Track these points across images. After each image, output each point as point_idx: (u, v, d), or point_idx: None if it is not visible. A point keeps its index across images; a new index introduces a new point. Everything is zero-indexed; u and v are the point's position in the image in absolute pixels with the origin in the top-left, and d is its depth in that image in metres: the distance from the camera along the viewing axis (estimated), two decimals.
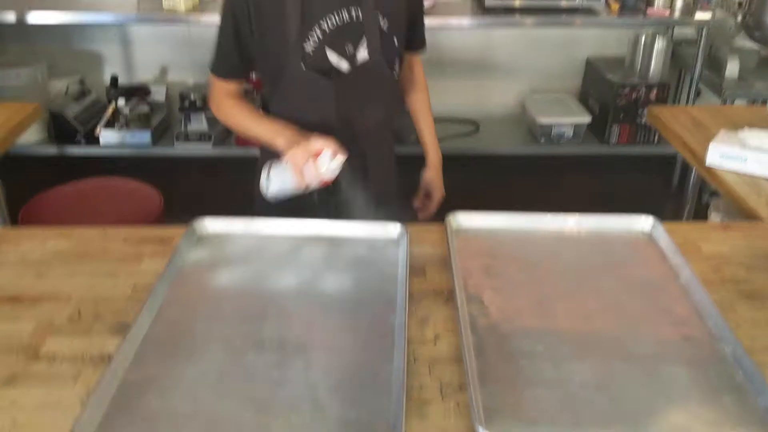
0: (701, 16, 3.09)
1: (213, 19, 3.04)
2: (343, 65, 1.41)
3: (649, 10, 3.11)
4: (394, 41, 1.44)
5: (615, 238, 1.37)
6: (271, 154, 1.54)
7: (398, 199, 1.68)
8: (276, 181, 1.31)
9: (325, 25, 1.38)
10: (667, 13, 3.09)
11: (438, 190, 1.72)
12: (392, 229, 1.35)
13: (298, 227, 1.36)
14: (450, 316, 1.14)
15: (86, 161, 3.40)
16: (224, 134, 3.40)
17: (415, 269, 1.26)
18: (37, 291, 1.20)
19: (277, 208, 1.45)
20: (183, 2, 3.05)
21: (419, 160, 1.72)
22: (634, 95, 3.32)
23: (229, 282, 1.22)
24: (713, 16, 3.08)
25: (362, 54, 1.42)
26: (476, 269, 1.27)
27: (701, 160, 1.70)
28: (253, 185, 1.47)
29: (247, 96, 3.32)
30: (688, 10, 3.13)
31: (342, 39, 1.39)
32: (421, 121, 1.69)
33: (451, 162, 3.49)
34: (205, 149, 3.33)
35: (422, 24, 1.58)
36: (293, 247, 1.32)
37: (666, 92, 3.34)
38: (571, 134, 3.43)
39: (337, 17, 1.38)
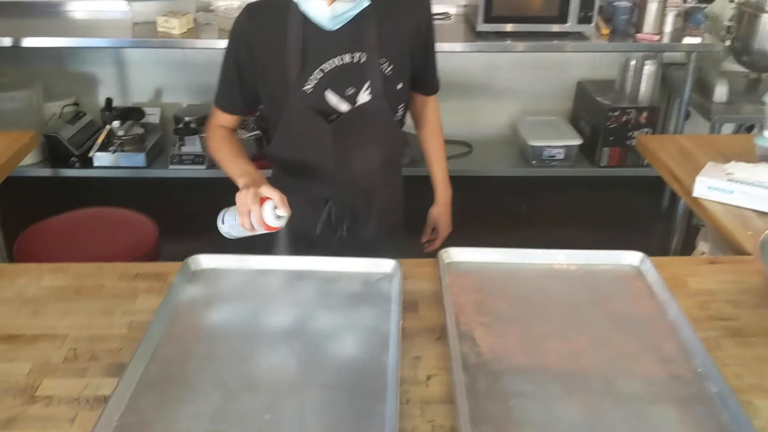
0: (690, 41, 3.13)
1: (208, 43, 3.08)
2: (343, 107, 1.44)
3: (639, 35, 3.15)
4: (397, 86, 1.47)
5: (604, 273, 1.39)
6: (282, 182, 1.57)
7: (403, 233, 1.71)
8: (228, 221, 1.34)
9: (327, 67, 1.41)
10: (657, 38, 3.13)
11: (445, 227, 1.75)
12: (386, 265, 1.36)
13: (292, 263, 1.38)
14: (442, 354, 1.15)
15: (80, 183, 3.41)
16: None
17: (408, 305, 1.27)
18: (34, 329, 1.21)
19: (278, 236, 1.47)
20: (178, 26, 3.08)
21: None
22: (624, 118, 3.35)
23: (223, 320, 1.24)
24: (702, 41, 3.12)
25: (364, 97, 1.44)
26: (468, 305, 1.28)
27: (689, 191, 1.72)
28: None
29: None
30: (677, 35, 3.18)
31: (343, 81, 1.42)
32: (433, 159, 1.72)
33: None
34: (199, 171, 3.34)
35: (434, 68, 1.60)
36: (287, 284, 1.34)
37: (656, 115, 3.38)
38: (563, 156, 3.47)
39: (338, 60, 1.41)
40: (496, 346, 1.18)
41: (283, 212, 1.27)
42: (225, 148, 1.50)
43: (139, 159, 3.36)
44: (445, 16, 3.42)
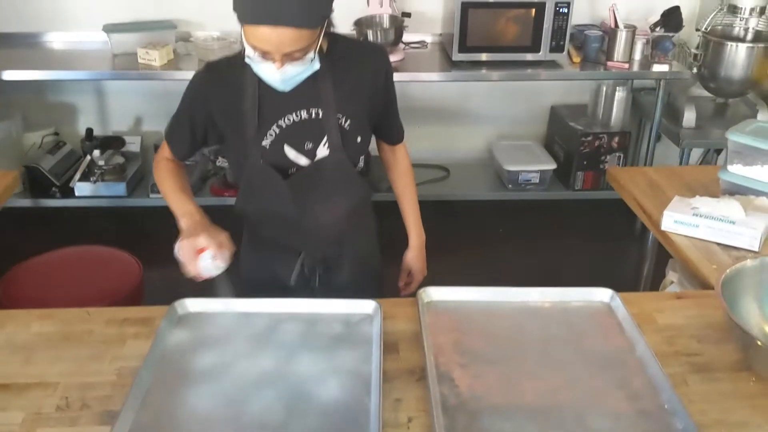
0: (659, 68, 3.23)
1: (188, 75, 3.09)
2: (303, 161, 1.48)
3: (609, 63, 3.24)
4: (356, 139, 1.50)
5: (576, 310, 1.45)
6: (253, 235, 1.60)
7: (381, 271, 1.75)
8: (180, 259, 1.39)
9: (284, 123, 1.44)
10: (626, 66, 3.22)
11: (420, 272, 1.78)
12: (366, 306, 1.41)
13: (276, 306, 1.42)
14: (422, 396, 1.20)
15: (62, 213, 3.43)
16: (198, 185, 3.45)
17: (389, 346, 1.32)
18: (25, 378, 1.24)
19: (254, 286, 1.51)
20: (158, 58, 3.11)
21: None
22: (597, 143, 3.44)
23: (210, 364, 1.27)
24: (670, 68, 3.22)
25: (323, 151, 1.48)
26: (447, 345, 1.33)
27: (657, 224, 1.80)
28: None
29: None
30: (646, 62, 3.28)
31: (301, 136, 1.46)
32: (405, 204, 1.75)
33: (423, 207, 3.57)
34: None
35: (396, 118, 1.65)
36: (271, 326, 1.37)
37: (627, 140, 3.47)
38: (538, 180, 3.55)
39: (295, 116, 1.45)
40: (475, 385, 1.23)
41: (219, 263, 1.34)
42: (170, 181, 1.55)
43: (119, 188, 3.39)
44: (422, 44, 3.49)
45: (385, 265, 1.81)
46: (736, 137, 1.80)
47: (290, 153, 1.47)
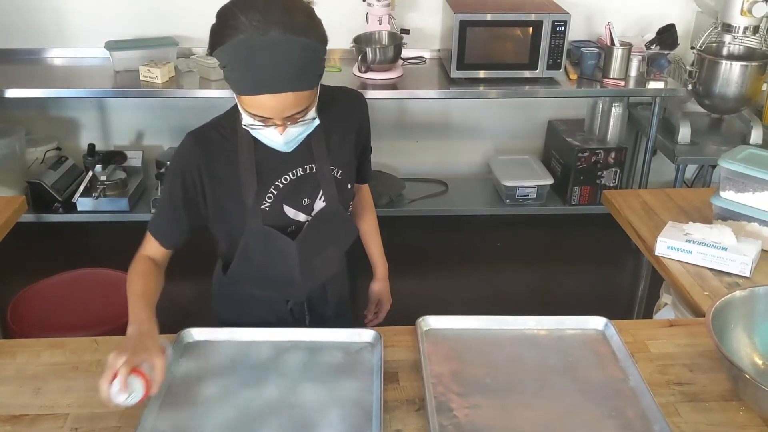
0: (654, 85, 3.27)
1: (189, 92, 3.16)
2: (301, 217, 1.48)
3: (606, 80, 3.29)
4: (348, 186, 1.52)
5: (571, 338, 1.49)
6: (233, 294, 1.60)
7: (353, 310, 1.78)
8: None
9: (281, 184, 1.44)
10: (622, 83, 3.27)
11: (387, 301, 1.82)
12: (367, 335, 1.45)
13: (279, 335, 1.46)
14: (422, 426, 1.24)
15: (64, 228, 3.46)
16: None
17: (389, 375, 1.36)
18: (36, 409, 1.28)
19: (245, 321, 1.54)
20: (160, 76, 3.15)
21: None
22: (593, 159, 3.48)
23: (216, 394, 1.31)
24: (665, 85, 3.27)
25: (319, 204, 1.49)
26: (445, 374, 1.37)
27: (651, 249, 1.84)
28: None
29: None
30: (642, 79, 3.32)
31: (298, 193, 1.46)
32: (370, 239, 1.78)
33: (421, 220, 3.60)
34: None
35: (369, 159, 1.66)
36: (275, 355, 1.41)
37: (623, 155, 3.51)
38: (535, 195, 3.59)
39: (291, 175, 1.45)
40: (472, 416, 1.27)
41: (127, 395, 1.16)
42: (138, 284, 1.41)
43: (122, 203, 3.42)
44: (421, 60, 3.53)
45: None
46: (728, 164, 1.83)
47: (289, 212, 1.47)
